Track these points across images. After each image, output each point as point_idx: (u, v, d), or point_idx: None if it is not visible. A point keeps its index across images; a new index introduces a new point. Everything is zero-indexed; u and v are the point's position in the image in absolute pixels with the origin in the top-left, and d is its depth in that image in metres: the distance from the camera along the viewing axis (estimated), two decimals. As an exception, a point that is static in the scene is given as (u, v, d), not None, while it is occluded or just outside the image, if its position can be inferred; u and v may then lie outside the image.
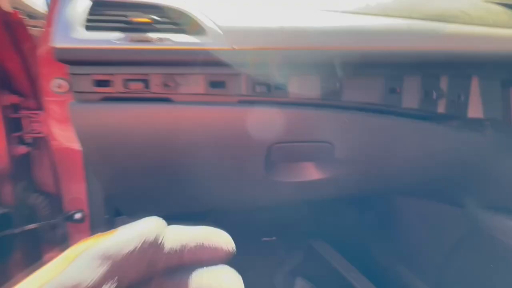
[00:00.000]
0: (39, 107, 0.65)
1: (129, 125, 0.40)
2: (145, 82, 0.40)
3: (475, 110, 0.47)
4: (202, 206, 0.54)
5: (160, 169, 0.45)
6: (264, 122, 0.43)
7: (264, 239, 1.08)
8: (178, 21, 0.42)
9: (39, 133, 0.66)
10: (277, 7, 0.44)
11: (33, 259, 0.72)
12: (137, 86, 0.40)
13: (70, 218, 0.69)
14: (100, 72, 0.39)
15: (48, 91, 0.61)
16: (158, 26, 0.41)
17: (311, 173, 0.50)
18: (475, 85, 0.47)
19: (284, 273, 0.99)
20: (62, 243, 0.71)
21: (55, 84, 0.60)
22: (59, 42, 0.38)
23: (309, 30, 0.41)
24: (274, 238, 1.10)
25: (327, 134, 0.46)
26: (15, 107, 0.63)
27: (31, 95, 0.65)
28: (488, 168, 0.52)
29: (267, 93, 0.42)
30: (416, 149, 0.49)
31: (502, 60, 0.43)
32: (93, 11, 0.42)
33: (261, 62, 0.41)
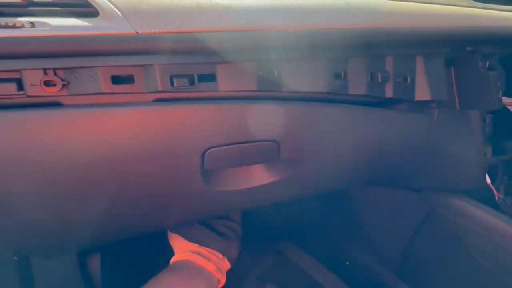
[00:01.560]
0: None
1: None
2: (17, 81, 0.30)
3: (421, 92, 0.45)
4: (130, 230, 0.45)
5: (57, 194, 0.34)
6: (191, 123, 0.36)
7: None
8: (62, 2, 0.32)
9: None
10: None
11: None
12: (5, 88, 0.29)
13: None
14: None
15: None
16: (34, 8, 0.31)
17: (257, 178, 0.43)
18: (420, 66, 0.44)
19: (253, 280, 0.93)
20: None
21: None
22: None
23: (233, 8, 0.34)
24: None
25: (269, 131, 0.40)
26: None
27: None
28: (438, 149, 0.51)
29: (190, 87, 0.35)
30: (367, 137, 0.45)
31: (442, 36, 0.41)
32: None
33: (178, 49, 0.33)
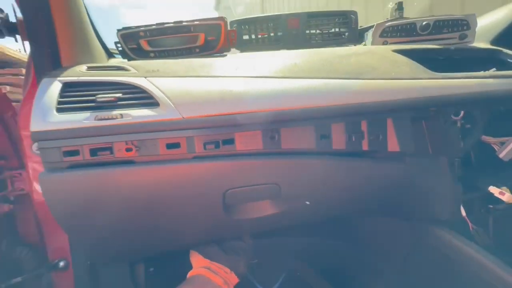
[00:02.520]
0: (21, 167, 0.71)
1: (96, 187, 0.47)
2: (110, 149, 0.48)
3: (393, 145, 0.57)
4: (173, 247, 0.61)
5: (129, 222, 0.51)
6: (217, 172, 0.51)
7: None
8: (137, 97, 0.50)
9: (21, 190, 0.71)
10: (219, 78, 0.53)
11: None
12: (102, 153, 0.47)
13: (54, 267, 0.73)
14: (67, 144, 0.46)
15: (29, 153, 0.68)
16: (120, 103, 0.50)
17: (264, 209, 0.57)
18: (390, 126, 0.57)
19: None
20: (48, 292, 0.75)
21: (35, 147, 0.67)
22: (35, 126, 0.45)
23: (246, 96, 0.50)
24: (256, 261, 1.15)
25: (272, 177, 0.54)
26: (-2, 170, 0.69)
27: (13, 156, 0.71)
28: (415, 187, 0.62)
29: (217, 149, 0.51)
30: (350, 180, 0.58)
31: (405, 105, 0.53)
32: (63, 92, 0.50)
33: (208, 126, 0.49)
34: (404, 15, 1.03)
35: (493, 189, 0.63)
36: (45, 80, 0.51)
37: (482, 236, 0.62)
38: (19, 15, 0.64)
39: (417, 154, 0.60)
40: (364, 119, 0.55)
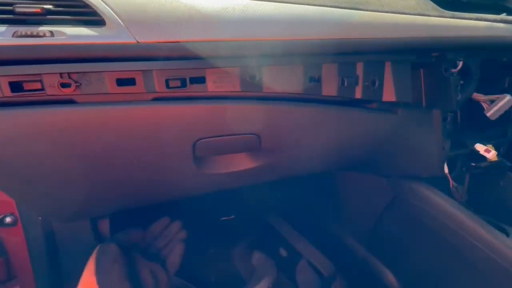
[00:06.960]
0: None
1: (23, 133, 0.36)
2: (39, 83, 0.36)
3: (388, 94, 0.50)
4: (135, 203, 0.53)
5: (74, 174, 0.42)
6: (184, 118, 0.42)
7: (223, 218, 1.12)
8: (74, 11, 0.37)
9: None
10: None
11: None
12: (28, 87, 0.36)
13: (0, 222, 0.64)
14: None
15: None
16: (50, 17, 0.36)
17: (241, 163, 0.51)
18: (388, 71, 0.50)
19: (243, 247, 1.05)
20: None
21: None
22: None
23: (220, 20, 0.39)
24: (232, 216, 1.14)
25: (252, 126, 0.46)
26: None
27: None
28: (402, 142, 0.58)
29: (183, 88, 0.41)
30: (339, 132, 0.52)
31: (409, 45, 0.46)
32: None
33: (171, 56, 0.38)
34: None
35: (479, 147, 0.61)
36: None
37: (462, 193, 0.62)
38: None
39: (410, 105, 0.54)
40: (360, 60, 0.47)
